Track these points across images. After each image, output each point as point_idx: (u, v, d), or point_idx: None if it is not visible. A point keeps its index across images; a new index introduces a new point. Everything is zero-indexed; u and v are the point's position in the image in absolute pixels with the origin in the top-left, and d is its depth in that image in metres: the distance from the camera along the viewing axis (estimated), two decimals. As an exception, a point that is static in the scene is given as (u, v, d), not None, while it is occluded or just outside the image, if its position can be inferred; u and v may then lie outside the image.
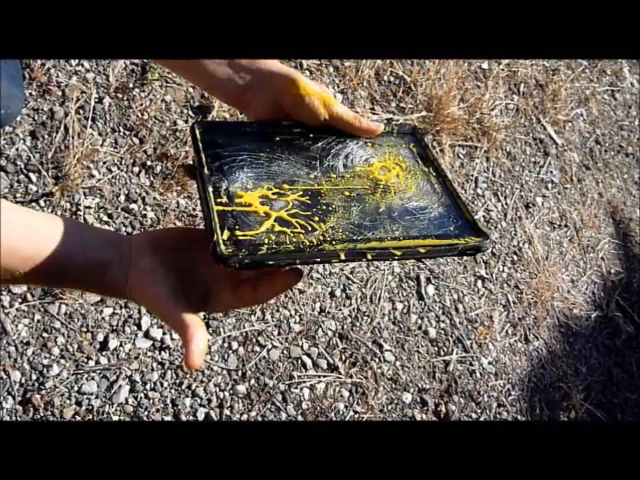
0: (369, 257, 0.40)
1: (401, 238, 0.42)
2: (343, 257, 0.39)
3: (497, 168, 1.68)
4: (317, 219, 0.42)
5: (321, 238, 0.41)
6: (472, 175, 1.61)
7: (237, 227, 0.39)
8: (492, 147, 1.67)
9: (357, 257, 0.40)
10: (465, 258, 1.49)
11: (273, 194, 0.43)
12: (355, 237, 0.41)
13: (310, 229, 0.41)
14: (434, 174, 0.51)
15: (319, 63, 1.49)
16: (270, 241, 0.39)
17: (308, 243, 0.40)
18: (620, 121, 2.12)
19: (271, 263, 0.38)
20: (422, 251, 0.41)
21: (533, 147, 1.80)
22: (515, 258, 1.59)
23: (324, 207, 0.44)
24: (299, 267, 0.43)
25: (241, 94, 0.50)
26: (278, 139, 0.49)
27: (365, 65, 1.53)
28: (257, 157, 0.46)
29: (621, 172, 2.01)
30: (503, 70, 1.83)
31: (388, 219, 0.44)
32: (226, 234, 0.38)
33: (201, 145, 0.45)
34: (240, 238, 0.39)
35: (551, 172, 1.80)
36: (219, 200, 0.41)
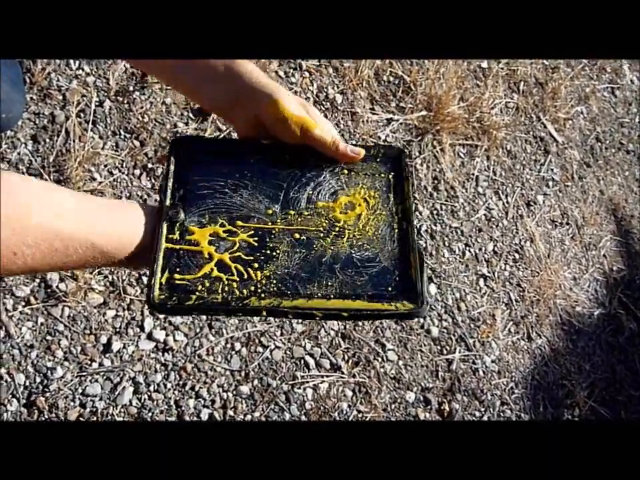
0: (290, 316, 0.44)
1: (331, 296, 0.45)
2: (264, 314, 0.44)
3: (498, 166, 1.68)
4: (256, 265, 0.45)
5: (252, 289, 0.44)
6: (473, 174, 1.61)
7: (177, 270, 0.44)
8: (492, 145, 1.67)
9: (279, 315, 0.44)
10: (467, 256, 1.49)
11: (224, 231, 0.47)
12: (285, 291, 0.44)
13: (246, 277, 0.45)
14: (400, 216, 0.50)
15: (318, 63, 1.49)
16: (203, 288, 0.44)
17: (237, 294, 0.44)
18: (620, 118, 2.12)
19: (195, 313, 0.45)
20: (345, 315, 0.44)
21: (534, 145, 1.80)
22: (517, 256, 1.59)
23: (267, 252, 0.46)
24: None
25: (228, 110, 0.53)
26: (252, 160, 0.51)
27: (364, 65, 1.53)
28: (224, 184, 0.49)
29: (621, 169, 2.01)
30: (502, 69, 1.83)
31: (327, 271, 0.46)
32: (165, 277, 0.44)
33: (172, 167, 0.48)
34: (177, 282, 0.44)
35: (552, 170, 1.80)
36: (170, 236, 0.45)
